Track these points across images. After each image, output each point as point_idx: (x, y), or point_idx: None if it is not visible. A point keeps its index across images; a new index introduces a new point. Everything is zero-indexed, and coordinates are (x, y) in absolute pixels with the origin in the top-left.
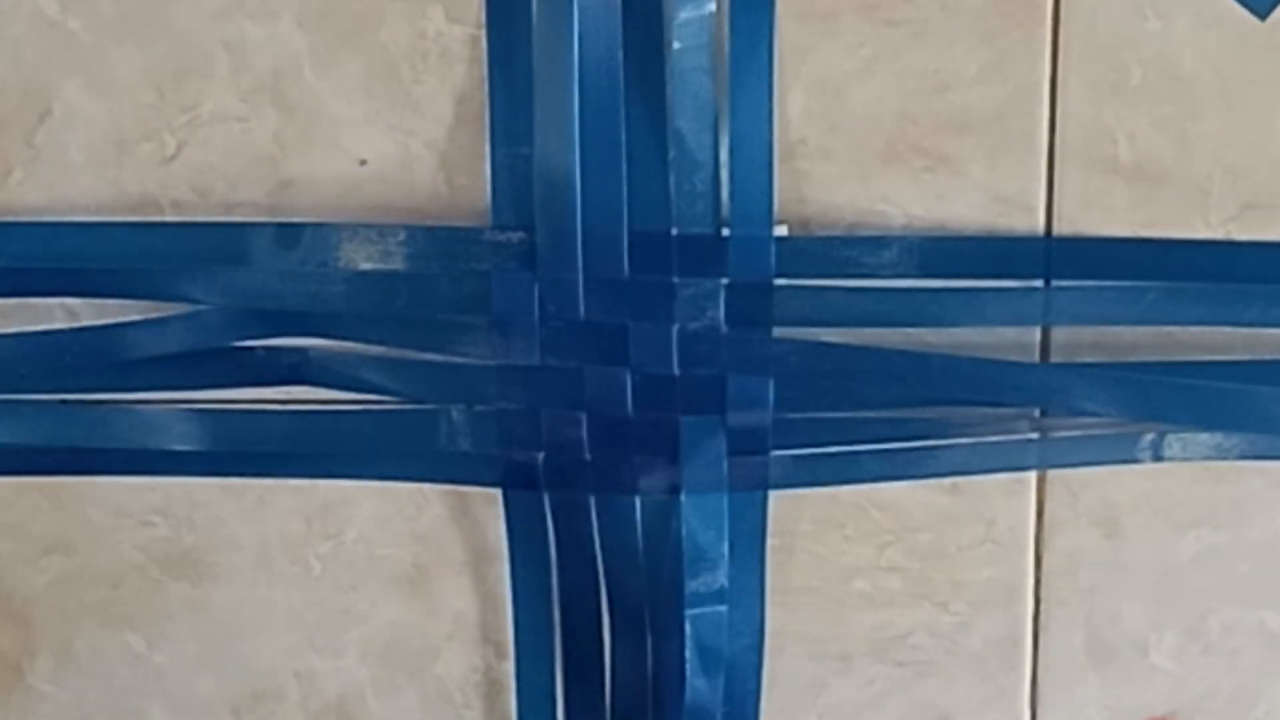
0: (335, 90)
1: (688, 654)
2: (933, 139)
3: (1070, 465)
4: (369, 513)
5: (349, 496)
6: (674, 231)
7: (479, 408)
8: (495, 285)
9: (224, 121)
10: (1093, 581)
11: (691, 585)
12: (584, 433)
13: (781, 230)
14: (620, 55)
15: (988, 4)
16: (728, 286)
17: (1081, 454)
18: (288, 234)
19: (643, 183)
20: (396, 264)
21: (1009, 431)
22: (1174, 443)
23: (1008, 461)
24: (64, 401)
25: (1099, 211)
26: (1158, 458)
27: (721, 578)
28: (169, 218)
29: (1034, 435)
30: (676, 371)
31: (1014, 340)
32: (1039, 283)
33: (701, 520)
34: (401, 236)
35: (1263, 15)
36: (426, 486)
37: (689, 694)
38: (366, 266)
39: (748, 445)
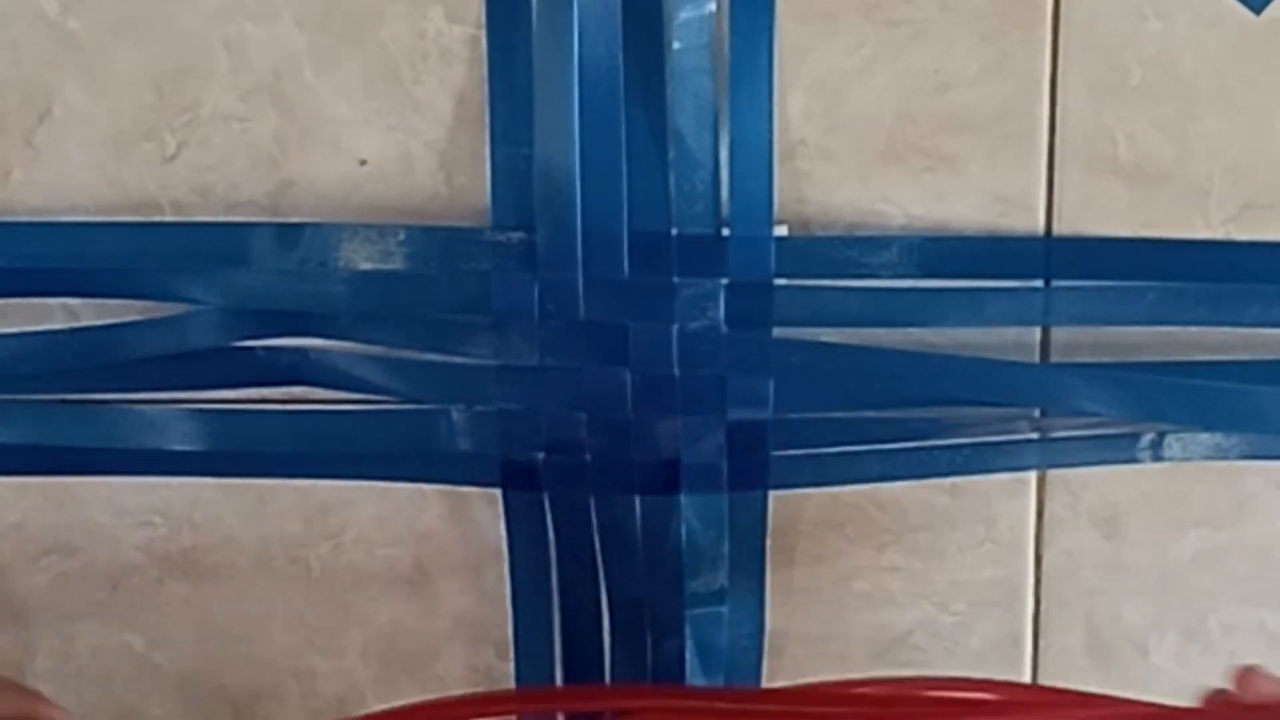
0: (335, 90)
1: (688, 654)
2: (933, 139)
3: (1070, 465)
4: (369, 513)
5: (349, 496)
6: (674, 231)
7: (479, 408)
8: (495, 285)
9: (224, 121)
10: (1093, 581)
11: (691, 585)
12: (584, 433)
13: (781, 230)
14: (620, 55)
15: (988, 4)
16: (728, 286)
17: (1081, 454)
18: (288, 234)
19: (643, 183)
20: (396, 264)
21: (1009, 432)
22: (1174, 443)
23: (1008, 461)
24: (64, 401)
25: (1099, 211)
26: (1158, 458)
27: (721, 578)
28: (169, 218)
29: (1034, 435)
30: (676, 371)
31: (1014, 340)
32: (1039, 283)
33: (701, 520)
34: (401, 236)
35: (1257, 10)
36: (426, 486)
37: None
38: (366, 266)
39: (748, 445)
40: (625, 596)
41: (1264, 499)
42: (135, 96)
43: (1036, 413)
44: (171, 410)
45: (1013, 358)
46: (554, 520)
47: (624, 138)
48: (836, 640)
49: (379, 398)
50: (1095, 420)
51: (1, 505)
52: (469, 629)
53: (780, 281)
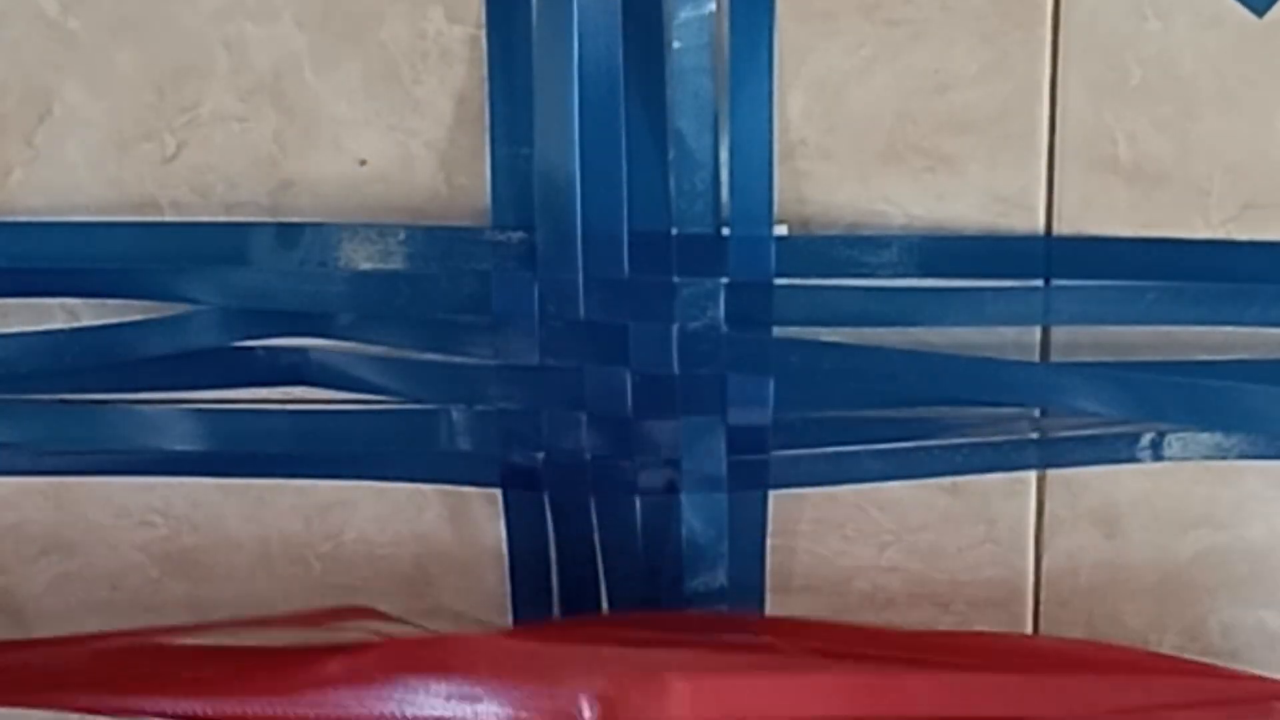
0: (335, 90)
1: None
2: (933, 139)
3: (1070, 465)
4: (369, 513)
5: (349, 496)
6: (674, 231)
7: (479, 408)
8: (495, 285)
9: (224, 121)
10: (1093, 581)
11: (691, 585)
12: (584, 433)
13: (781, 230)
14: (620, 55)
15: (988, 4)
16: (728, 286)
17: (1081, 454)
18: (288, 234)
19: (643, 182)
20: (396, 264)
21: (1009, 431)
22: (1174, 442)
23: (1008, 461)
24: (64, 401)
25: (1099, 211)
26: (1158, 457)
27: (721, 577)
28: (169, 218)
29: (1034, 435)
30: (676, 371)
31: (1014, 340)
32: (1039, 282)
33: (702, 520)
34: (401, 236)
35: (1260, 13)
36: (426, 486)
37: None
38: (366, 266)
39: (748, 445)
40: (626, 596)
41: (1264, 499)
42: (135, 96)
43: (1036, 412)
44: (172, 410)
45: (1013, 357)
46: (554, 520)
47: (624, 138)
48: None
49: (379, 398)
50: (1095, 420)
51: (1, 505)
52: (469, 629)
53: (780, 281)
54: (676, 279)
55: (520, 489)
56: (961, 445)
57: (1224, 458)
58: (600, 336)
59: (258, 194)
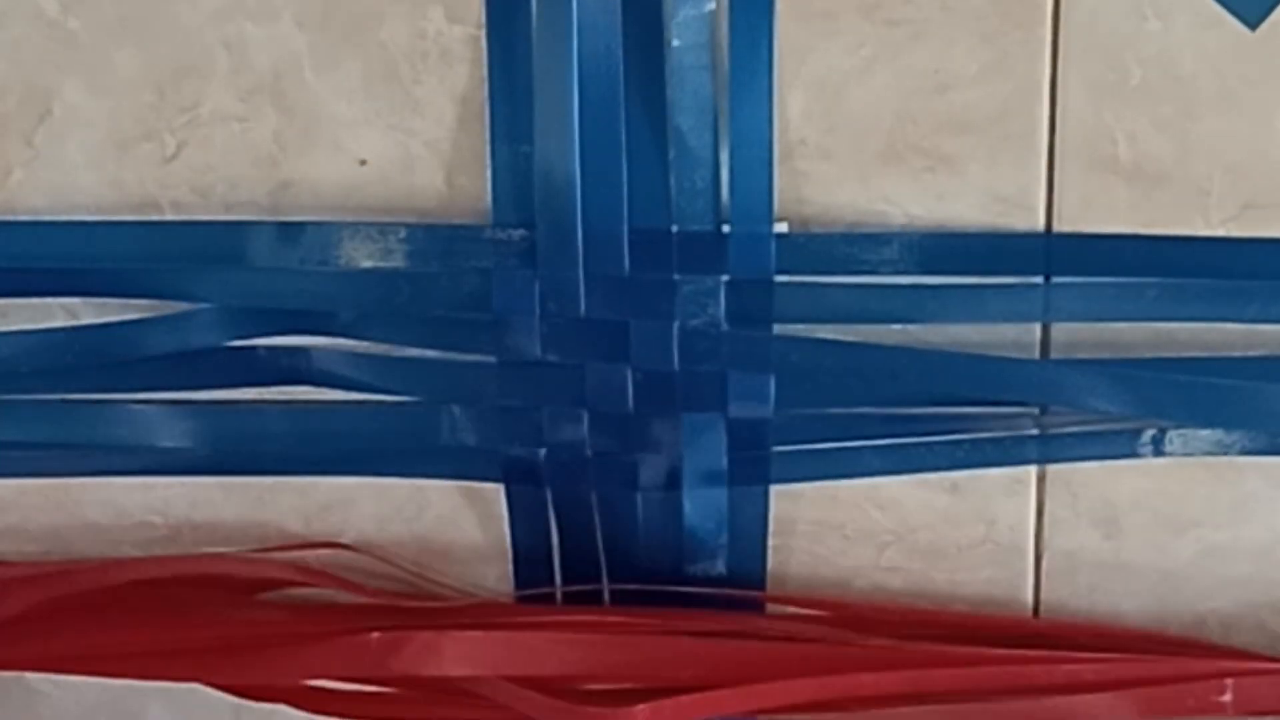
0: (335, 90)
1: None
2: (933, 139)
3: (1071, 460)
4: (369, 512)
5: (349, 496)
6: (674, 229)
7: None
8: (496, 283)
9: (224, 121)
10: (1093, 581)
11: (692, 579)
12: (585, 429)
13: (782, 227)
14: (620, 54)
15: (988, 4)
16: (728, 283)
17: (1082, 450)
18: (288, 232)
19: (643, 180)
20: (397, 262)
21: (1009, 428)
22: (1175, 439)
23: (1008, 457)
24: (64, 401)
25: (1099, 212)
26: (1159, 453)
27: (722, 571)
28: (169, 218)
29: (1034, 431)
30: (677, 368)
31: (1014, 337)
32: (1039, 279)
33: (702, 516)
34: (402, 234)
35: (1253, 25)
36: (427, 485)
37: None
38: (367, 264)
39: (748, 441)
40: (627, 591)
41: (1264, 499)
42: (135, 96)
43: (1037, 409)
44: (172, 409)
45: (1013, 354)
46: (556, 516)
47: (624, 136)
48: None
49: (380, 396)
50: (1095, 416)
51: (1, 505)
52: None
53: (780, 278)
54: (677, 276)
55: (522, 485)
56: (961, 441)
57: (1225, 453)
58: (601, 334)
59: (258, 194)
